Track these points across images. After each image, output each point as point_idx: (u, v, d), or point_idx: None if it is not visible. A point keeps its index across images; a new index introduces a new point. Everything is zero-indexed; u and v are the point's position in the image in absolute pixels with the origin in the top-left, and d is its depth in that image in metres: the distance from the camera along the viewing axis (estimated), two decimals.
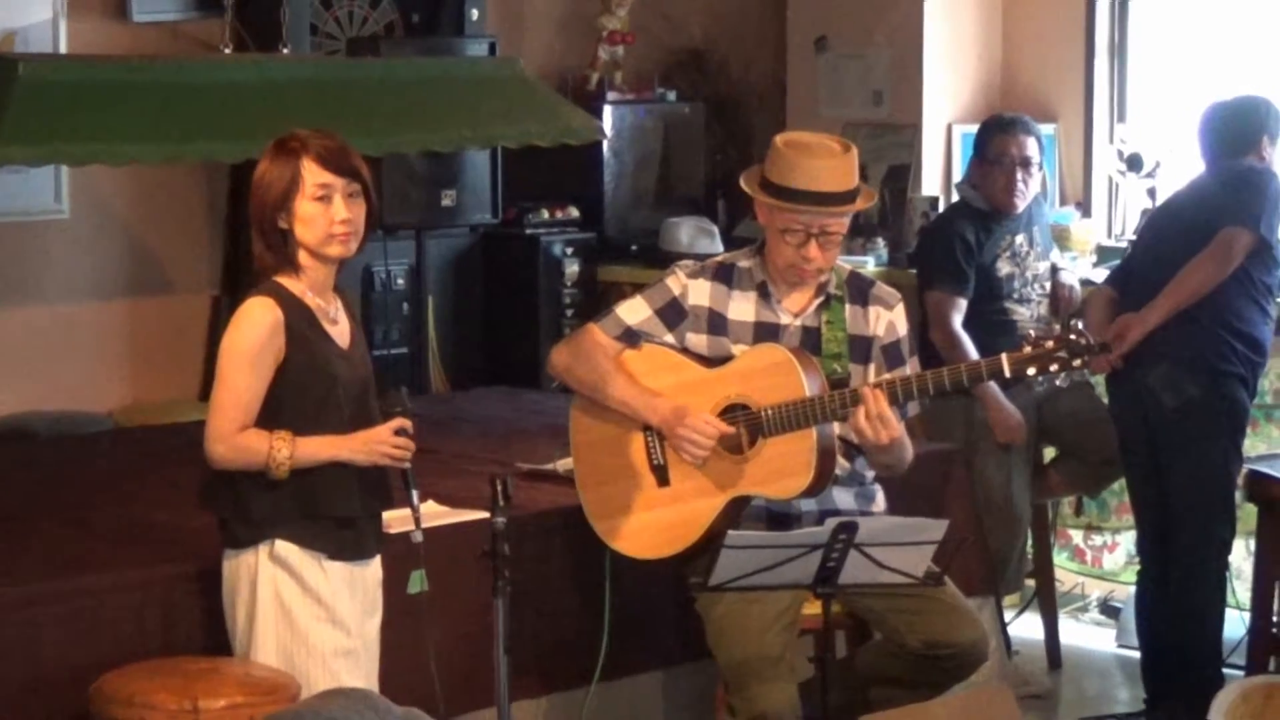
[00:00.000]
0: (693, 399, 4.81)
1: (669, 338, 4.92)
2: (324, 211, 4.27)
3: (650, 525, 4.85)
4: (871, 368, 4.88)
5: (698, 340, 4.92)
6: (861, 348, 4.90)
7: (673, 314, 4.92)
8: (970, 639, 4.74)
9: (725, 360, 4.87)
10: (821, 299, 4.90)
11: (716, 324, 4.91)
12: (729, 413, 4.78)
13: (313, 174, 4.27)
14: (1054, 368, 4.62)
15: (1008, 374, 4.66)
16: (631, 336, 4.92)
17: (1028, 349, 4.63)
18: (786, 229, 4.81)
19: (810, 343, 4.86)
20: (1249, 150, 5.80)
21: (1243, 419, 5.82)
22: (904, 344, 4.96)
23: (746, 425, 4.76)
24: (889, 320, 4.94)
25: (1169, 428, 5.75)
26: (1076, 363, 4.62)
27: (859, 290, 4.95)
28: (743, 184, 4.92)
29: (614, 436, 4.89)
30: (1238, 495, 5.91)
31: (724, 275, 4.94)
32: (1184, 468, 5.76)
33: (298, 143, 4.29)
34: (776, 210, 4.82)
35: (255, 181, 4.29)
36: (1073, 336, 4.60)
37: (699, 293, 4.92)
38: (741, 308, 4.91)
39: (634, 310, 4.93)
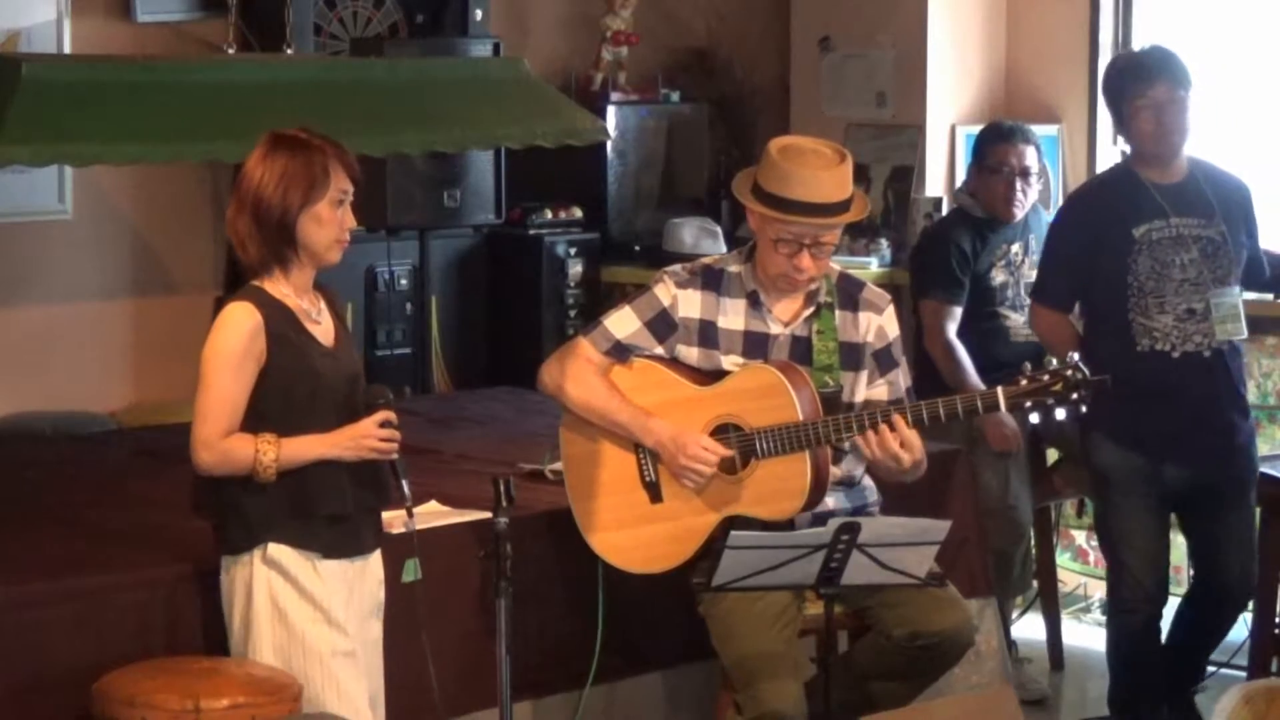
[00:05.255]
0: (683, 417, 4.80)
1: (659, 349, 4.90)
2: (337, 217, 4.28)
3: (643, 541, 4.85)
4: (864, 374, 4.89)
5: (688, 352, 4.90)
6: (852, 355, 4.90)
7: (663, 326, 4.90)
8: (950, 625, 4.74)
9: (716, 371, 4.86)
10: (812, 309, 4.89)
11: (708, 335, 4.89)
12: (720, 433, 4.78)
13: (339, 178, 4.27)
14: (1050, 402, 4.62)
15: (1003, 408, 4.67)
16: (621, 351, 4.90)
17: (1024, 381, 4.64)
18: (779, 238, 4.79)
19: (800, 352, 4.85)
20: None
21: (1110, 479, 5.65)
22: (895, 347, 4.96)
23: (740, 446, 4.76)
24: (879, 325, 4.93)
25: None
26: (1074, 397, 4.62)
27: (848, 295, 4.93)
28: (734, 190, 4.90)
29: (604, 452, 4.89)
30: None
31: (713, 282, 4.91)
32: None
33: (319, 142, 4.28)
34: (769, 220, 4.80)
35: (266, 177, 4.25)
36: (1069, 371, 4.61)
37: (689, 304, 4.90)
38: (732, 316, 4.89)
39: (623, 323, 4.90)
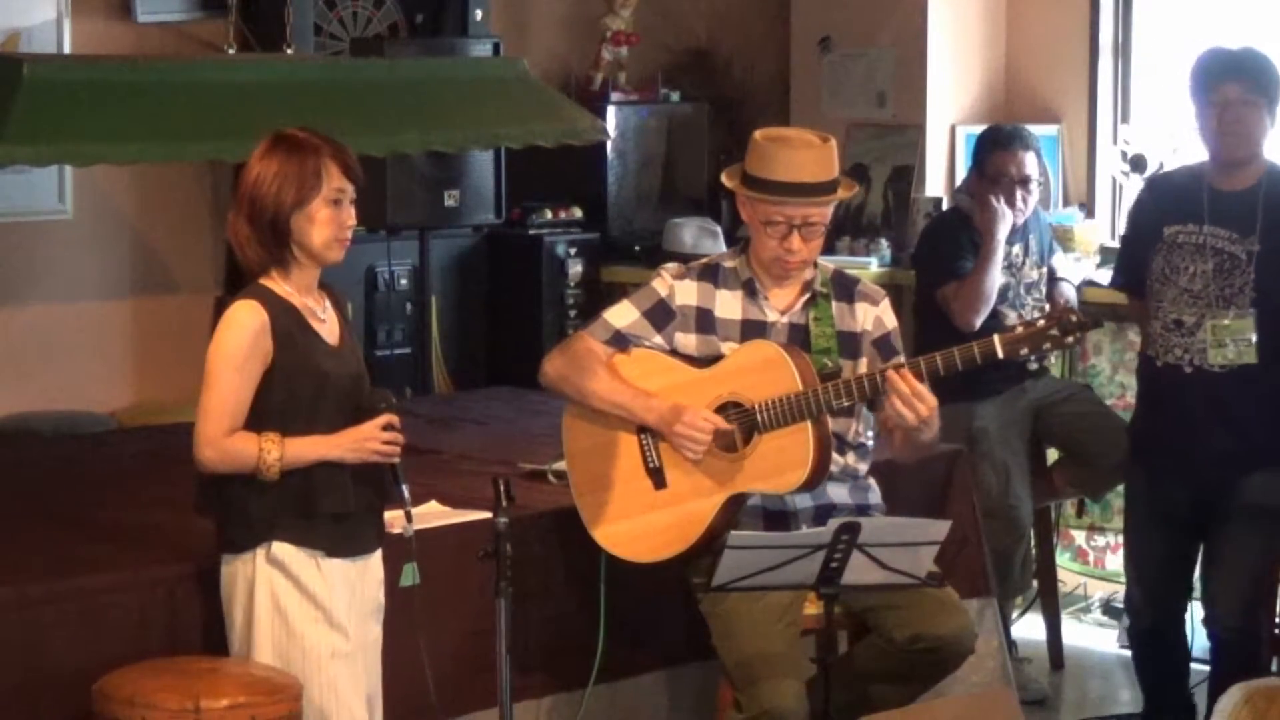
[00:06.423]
0: (686, 399, 4.81)
1: (658, 339, 4.92)
2: (335, 216, 4.29)
3: (649, 528, 4.85)
4: (863, 362, 4.90)
5: (686, 340, 4.92)
6: (850, 344, 4.91)
7: (661, 315, 4.93)
8: (950, 631, 4.74)
9: (715, 359, 4.88)
10: (808, 296, 4.92)
11: (705, 322, 4.92)
12: (723, 411, 4.79)
13: (333, 177, 4.27)
14: (1046, 345, 4.63)
15: (1000, 355, 4.64)
16: (620, 340, 4.92)
17: (1020, 329, 4.66)
18: (769, 221, 4.83)
19: (798, 339, 4.87)
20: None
21: (1126, 485, 5.76)
22: (894, 336, 4.98)
23: (741, 422, 4.77)
24: (876, 315, 4.96)
25: None
26: (1069, 340, 4.63)
27: (844, 288, 4.97)
28: (724, 180, 4.96)
29: (608, 442, 4.89)
30: None
31: (710, 275, 4.96)
32: None
33: (315, 142, 4.29)
34: (758, 203, 4.85)
35: (261, 176, 4.26)
36: (1062, 315, 4.63)
37: (686, 293, 4.93)
38: (729, 305, 4.92)
39: (622, 314, 4.94)
